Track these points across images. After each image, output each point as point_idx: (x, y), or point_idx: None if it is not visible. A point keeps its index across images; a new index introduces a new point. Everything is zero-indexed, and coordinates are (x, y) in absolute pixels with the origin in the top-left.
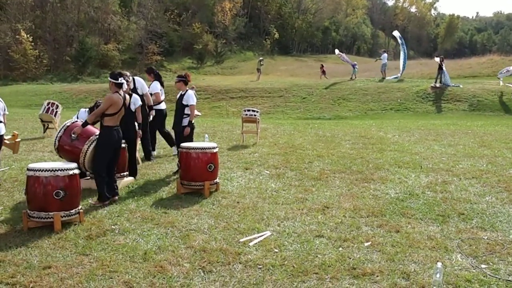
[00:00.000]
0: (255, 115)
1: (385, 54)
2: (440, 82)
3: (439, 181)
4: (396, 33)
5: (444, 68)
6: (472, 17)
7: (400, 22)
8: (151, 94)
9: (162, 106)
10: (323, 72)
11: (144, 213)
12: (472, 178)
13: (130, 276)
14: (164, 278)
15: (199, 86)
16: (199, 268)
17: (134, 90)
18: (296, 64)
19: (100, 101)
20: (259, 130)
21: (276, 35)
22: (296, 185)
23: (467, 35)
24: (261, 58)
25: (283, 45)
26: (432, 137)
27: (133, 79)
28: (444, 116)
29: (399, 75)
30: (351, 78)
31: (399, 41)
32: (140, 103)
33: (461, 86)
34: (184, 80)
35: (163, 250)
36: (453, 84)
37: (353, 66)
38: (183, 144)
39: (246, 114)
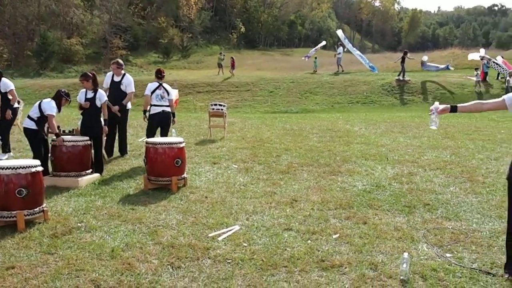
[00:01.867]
0: (222, 109)
1: (341, 48)
2: (403, 76)
3: (405, 172)
4: (339, 32)
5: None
6: (434, 11)
7: (365, 16)
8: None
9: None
10: (232, 66)
11: (111, 210)
12: (437, 169)
13: (97, 274)
14: (132, 275)
15: (166, 80)
16: (168, 264)
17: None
18: (263, 58)
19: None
20: (226, 124)
21: (242, 29)
22: (264, 178)
23: (430, 29)
24: (221, 52)
25: (250, 39)
26: (398, 129)
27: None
28: (409, 109)
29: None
30: (314, 71)
31: (342, 40)
32: (106, 99)
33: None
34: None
35: (131, 247)
36: (443, 66)
37: (308, 57)
38: (150, 140)
39: (213, 109)
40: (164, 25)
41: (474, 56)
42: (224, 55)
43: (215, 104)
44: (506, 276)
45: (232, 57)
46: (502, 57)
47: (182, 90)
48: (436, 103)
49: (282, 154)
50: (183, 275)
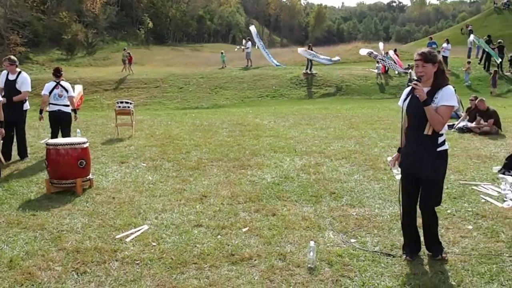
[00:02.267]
0: (128, 107)
1: (250, 43)
2: (310, 70)
3: (312, 163)
4: (252, 29)
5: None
6: (338, 7)
7: (273, 11)
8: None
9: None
10: (129, 62)
11: (10, 217)
12: (342, 158)
13: None
14: (33, 285)
15: (70, 78)
16: (72, 270)
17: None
18: (172, 53)
19: None
20: (134, 122)
21: (150, 25)
22: (174, 176)
23: (335, 24)
24: (125, 48)
25: (158, 35)
26: (306, 121)
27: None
28: (316, 101)
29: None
30: (222, 67)
31: (255, 37)
32: (1, 99)
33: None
34: None
35: (32, 255)
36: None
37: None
38: (51, 141)
39: (120, 107)
40: (66, 20)
41: (363, 51)
42: (128, 52)
43: (122, 102)
44: (404, 256)
45: (128, 52)
46: (395, 50)
47: (88, 88)
48: (389, 157)
49: (192, 150)
50: (89, 280)
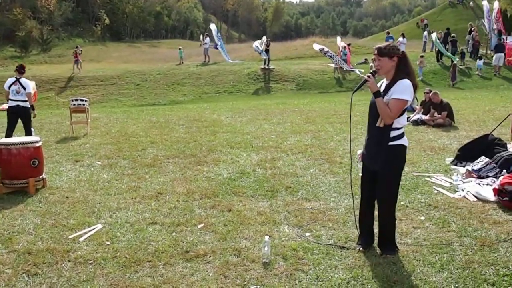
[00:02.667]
0: (83, 104)
1: (208, 38)
2: (268, 64)
3: (268, 158)
4: (212, 27)
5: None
6: (296, 2)
7: (231, 7)
8: None
9: None
10: (76, 61)
11: None
12: (299, 153)
13: None
14: None
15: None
16: (23, 273)
17: None
18: (129, 50)
19: None
20: (89, 120)
21: (107, 21)
22: (129, 173)
23: (293, 19)
24: (77, 46)
25: (115, 31)
26: (263, 116)
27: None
28: (274, 96)
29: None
30: (180, 63)
31: (215, 35)
32: None
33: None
34: None
35: None
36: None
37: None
38: (1, 140)
39: (74, 104)
40: (20, 16)
41: (316, 47)
42: (81, 49)
43: (76, 100)
44: (358, 248)
45: (76, 50)
46: (349, 45)
47: (42, 86)
48: (359, 151)
49: (148, 147)
50: (40, 282)
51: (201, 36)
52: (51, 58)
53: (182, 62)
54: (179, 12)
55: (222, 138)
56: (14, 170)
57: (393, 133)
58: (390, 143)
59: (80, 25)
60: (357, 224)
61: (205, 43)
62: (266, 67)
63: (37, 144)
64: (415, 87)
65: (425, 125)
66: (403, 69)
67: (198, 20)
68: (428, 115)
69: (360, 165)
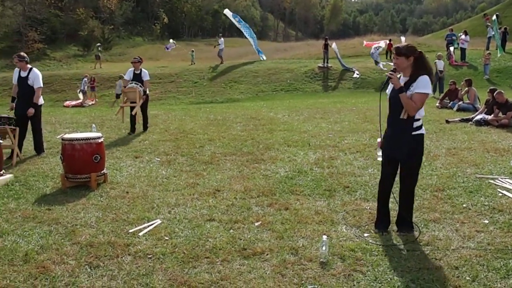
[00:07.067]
0: (136, 85)
1: (222, 39)
2: (327, 62)
3: (326, 157)
4: (227, 12)
5: (336, 51)
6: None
7: (288, 5)
8: None
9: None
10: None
11: (26, 211)
12: (356, 152)
13: (8, 281)
14: (47, 278)
15: (88, 74)
16: (86, 264)
17: None
18: (187, 48)
19: None
20: (141, 101)
21: (166, 20)
22: (187, 170)
23: (351, 17)
24: (98, 44)
25: (173, 30)
26: (320, 115)
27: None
28: (331, 95)
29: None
30: (192, 63)
31: (232, 19)
32: None
33: (355, 70)
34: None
35: (46, 249)
36: (348, 67)
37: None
38: (66, 136)
39: (126, 86)
40: (83, 16)
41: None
42: (102, 48)
43: (131, 83)
44: (382, 232)
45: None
46: (390, 40)
47: (104, 83)
48: (378, 139)
49: (206, 144)
50: (102, 274)
51: (216, 37)
52: (111, 56)
53: (194, 63)
54: (236, 10)
55: (279, 137)
56: (77, 165)
57: (415, 124)
58: (413, 133)
59: (139, 24)
60: (378, 205)
61: (219, 44)
62: (324, 65)
63: (99, 140)
64: (431, 83)
65: (489, 126)
66: (421, 66)
67: (255, 18)
68: (492, 115)
69: (379, 152)
